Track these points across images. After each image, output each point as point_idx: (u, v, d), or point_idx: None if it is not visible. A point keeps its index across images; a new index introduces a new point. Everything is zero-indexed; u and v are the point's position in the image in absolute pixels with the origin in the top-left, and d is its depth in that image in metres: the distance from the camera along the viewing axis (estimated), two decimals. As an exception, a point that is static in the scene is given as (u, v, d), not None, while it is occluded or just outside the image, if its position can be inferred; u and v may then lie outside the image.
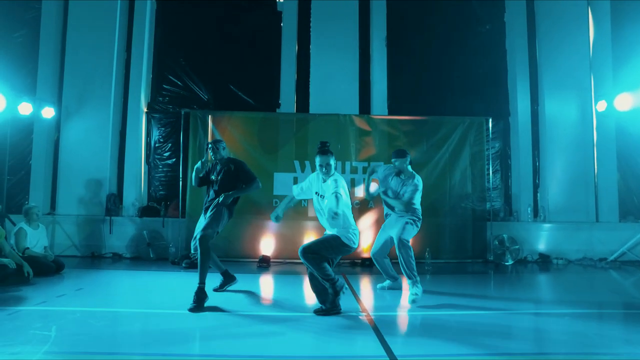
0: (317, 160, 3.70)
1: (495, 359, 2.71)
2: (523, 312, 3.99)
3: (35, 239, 5.40)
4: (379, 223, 6.73)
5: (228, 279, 4.57)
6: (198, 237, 4.01)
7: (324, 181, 3.69)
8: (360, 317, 3.64)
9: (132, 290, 4.82)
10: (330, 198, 3.47)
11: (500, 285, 5.75)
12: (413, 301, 4.13)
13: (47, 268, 5.18)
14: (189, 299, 3.79)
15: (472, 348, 2.88)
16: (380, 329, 3.25)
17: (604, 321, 3.74)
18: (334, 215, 3.36)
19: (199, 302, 3.77)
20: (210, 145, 4.44)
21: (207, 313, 3.67)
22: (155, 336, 3.09)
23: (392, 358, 2.64)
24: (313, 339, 3.11)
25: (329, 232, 3.72)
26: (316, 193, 3.76)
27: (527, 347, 3.04)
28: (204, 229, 4.04)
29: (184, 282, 5.23)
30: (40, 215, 5.57)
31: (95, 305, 3.89)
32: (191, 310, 3.70)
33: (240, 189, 4.28)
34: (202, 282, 3.89)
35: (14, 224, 5.77)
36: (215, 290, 4.48)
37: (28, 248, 5.22)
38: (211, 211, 4.17)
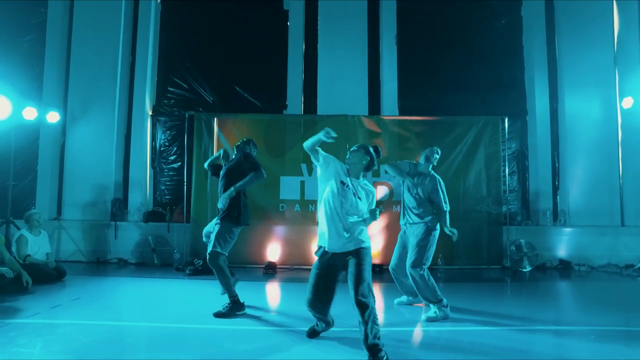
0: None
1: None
2: (538, 327, 3.68)
3: (37, 246, 5.30)
4: (388, 229, 6.52)
5: (236, 307, 4.32)
6: (207, 256, 3.87)
7: (357, 178, 3.13)
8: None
9: (131, 301, 4.66)
10: (369, 207, 3.08)
11: (517, 295, 5.42)
12: (428, 319, 3.86)
13: (47, 275, 5.09)
14: (188, 310, 3.62)
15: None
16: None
17: (632, 340, 3.41)
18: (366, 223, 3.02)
19: (229, 312, 3.80)
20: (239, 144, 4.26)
21: (211, 326, 3.48)
22: (148, 353, 2.90)
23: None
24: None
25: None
26: (342, 182, 3.06)
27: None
28: (212, 246, 3.84)
29: (186, 291, 5.10)
30: (41, 222, 5.48)
31: (89, 318, 3.72)
32: (215, 314, 3.78)
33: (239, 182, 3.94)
34: (231, 295, 3.84)
35: (19, 229, 5.70)
36: (223, 294, 4.26)
37: (29, 255, 5.12)
38: (216, 224, 3.96)
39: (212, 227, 4.18)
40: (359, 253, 2.98)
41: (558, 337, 3.53)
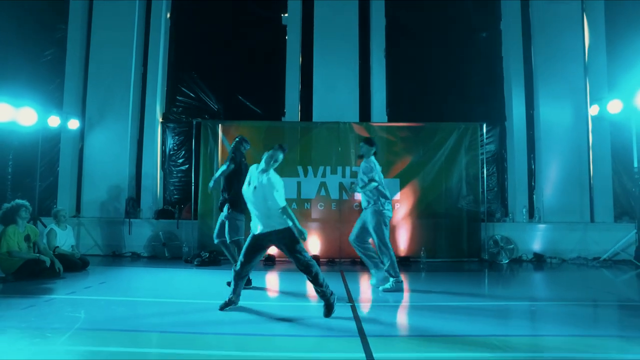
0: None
1: (453, 337, 3.13)
2: (498, 302, 4.39)
3: (64, 239, 6.03)
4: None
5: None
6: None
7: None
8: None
9: (149, 284, 5.39)
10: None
11: (493, 281, 6.09)
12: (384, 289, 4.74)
13: (74, 265, 5.79)
14: (198, 291, 4.31)
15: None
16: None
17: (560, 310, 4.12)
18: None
19: None
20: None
21: (216, 301, 4.19)
22: (168, 318, 3.62)
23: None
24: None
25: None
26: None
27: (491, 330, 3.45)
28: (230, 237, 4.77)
29: (195, 278, 5.80)
30: (67, 217, 6.20)
31: (117, 295, 4.46)
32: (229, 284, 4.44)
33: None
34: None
35: (45, 226, 6.42)
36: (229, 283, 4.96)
37: (58, 247, 5.85)
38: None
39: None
40: None
41: (519, 311, 4.23)
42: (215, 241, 4.99)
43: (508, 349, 2.92)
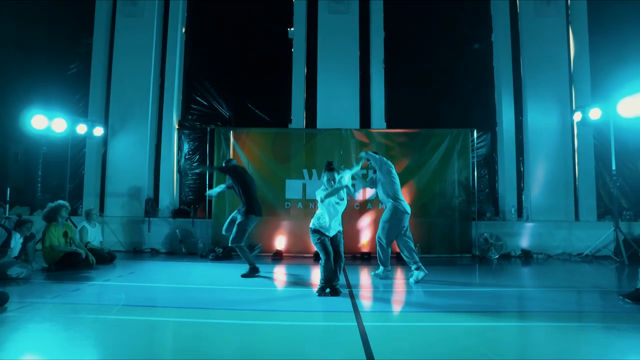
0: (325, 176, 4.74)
1: (432, 314, 3.77)
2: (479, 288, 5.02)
3: (94, 235, 6.75)
4: (376, 223, 7.84)
5: (254, 271, 5.72)
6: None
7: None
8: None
9: (170, 275, 6.07)
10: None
11: (482, 273, 6.69)
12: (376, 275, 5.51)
13: (103, 258, 6.49)
14: (213, 280, 5.00)
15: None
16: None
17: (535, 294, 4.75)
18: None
19: (250, 273, 5.53)
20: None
21: (229, 287, 4.87)
22: (190, 299, 4.31)
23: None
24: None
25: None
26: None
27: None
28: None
29: (210, 270, 6.48)
30: (97, 216, 6.92)
31: (144, 282, 5.17)
32: (242, 275, 5.46)
33: None
34: (250, 263, 5.59)
35: (75, 225, 7.13)
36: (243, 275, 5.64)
37: (89, 242, 6.56)
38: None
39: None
40: None
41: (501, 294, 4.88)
42: (224, 232, 5.83)
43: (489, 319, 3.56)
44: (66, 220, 6.35)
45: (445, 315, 3.78)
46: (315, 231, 4.60)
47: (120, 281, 5.18)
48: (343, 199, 4.69)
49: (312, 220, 4.68)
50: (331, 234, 4.61)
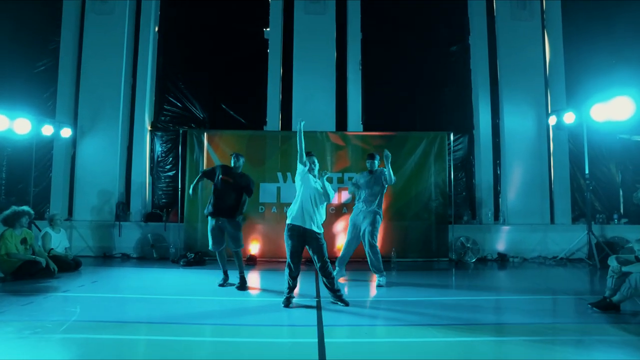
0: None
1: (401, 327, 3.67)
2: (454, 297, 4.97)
3: (58, 241, 6.49)
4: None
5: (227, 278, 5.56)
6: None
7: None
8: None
9: (137, 282, 5.87)
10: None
11: (459, 277, 6.67)
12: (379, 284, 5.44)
13: (67, 266, 6.25)
14: (180, 288, 4.82)
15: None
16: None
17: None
18: None
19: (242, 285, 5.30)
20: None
21: (193, 298, 4.70)
22: (153, 312, 4.13)
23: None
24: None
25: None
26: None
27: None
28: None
29: (179, 277, 6.28)
30: (61, 221, 6.66)
31: (107, 292, 4.95)
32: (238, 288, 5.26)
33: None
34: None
35: (39, 229, 6.87)
36: (220, 285, 5.46)
37: (52, 249, 6.30)
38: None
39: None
40: None
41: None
42: (218, 248, 5.48)
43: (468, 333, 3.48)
44: (28, 227, 6.09)
45: (416, 329, 3.69)
46: (287, 226, 4.48)
47: (80, 292, 4.95)
48: (328, 195, 4.46)
49: None
50: (298, 222, 4.36)
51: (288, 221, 4.46)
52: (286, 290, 4.42)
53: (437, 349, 3.21)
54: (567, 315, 4.46)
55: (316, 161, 4.71)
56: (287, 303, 4.36)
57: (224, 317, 4.07)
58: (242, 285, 5.27)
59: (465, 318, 4.06)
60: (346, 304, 4.41)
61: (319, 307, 4.33)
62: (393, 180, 5.57)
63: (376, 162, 5.78)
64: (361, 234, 5.59)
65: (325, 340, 3.28)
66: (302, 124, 4.62)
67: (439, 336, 3.47)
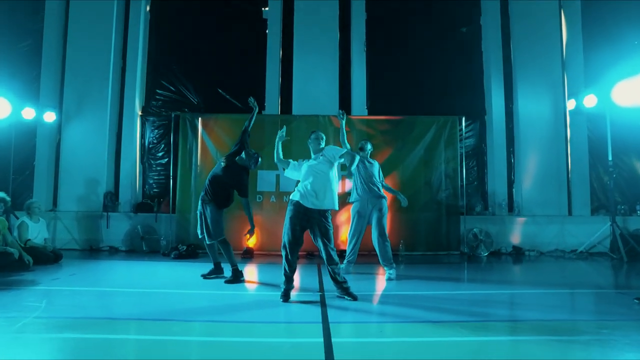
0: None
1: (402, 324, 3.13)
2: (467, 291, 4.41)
3: (36, 232, 5.94)
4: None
5: (218, 270, 5.00)
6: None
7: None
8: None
9: (121, 276, 5.32)
10: None
11: (472, 271, 6.11)
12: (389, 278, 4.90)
13: (45, 257, 5.70)
14: (168, 281, 4.27)
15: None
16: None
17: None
18: None
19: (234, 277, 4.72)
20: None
21: (182, 292, 4.15)
22: (134, 307, 3.57)
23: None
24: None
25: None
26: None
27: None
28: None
29: (169, 270, 5.74)
30: (40, 210, 6.11)
31: (84, 286, 4.39)
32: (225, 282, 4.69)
33: None
34: (233, 264, 4.81)
35: (18, 218, 6.31)
36: (203, 276, 4.92)
37: (29, 239, 5.75)
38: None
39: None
40: None
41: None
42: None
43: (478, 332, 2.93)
44: (6, 218, 5.54)
45: (427, 327, 3.14)
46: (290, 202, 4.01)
47: (52, 285, 4.40)
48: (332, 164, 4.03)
49: None
50: (297, 197, 3.91)
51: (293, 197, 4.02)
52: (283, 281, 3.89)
53: (461, 349, 2.66)
54: (610, 312, 3.86)
55: (323, 135, 4.34)
56: (286, 297, 3.82)
57: (220, 312, 3.53)
58: (237, 278, 4.71)
59: (482, 313, 3.53)
60: (354, 298, 3.87)
61: (323, 303, 3.77)
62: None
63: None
64: (373, 222, 5.08)
65: (333, 340, 2.73)
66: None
67: (462, 335, 2.92)
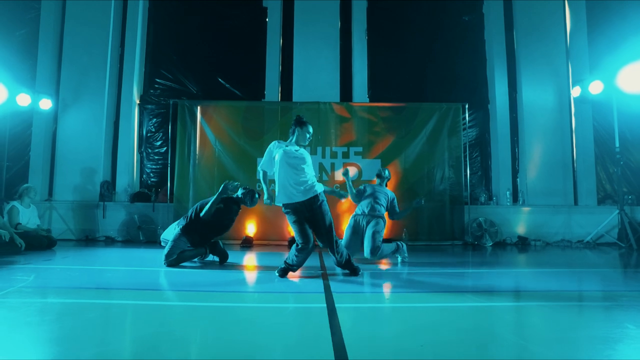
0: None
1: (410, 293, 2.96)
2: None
3: (27, 217, 5.77)
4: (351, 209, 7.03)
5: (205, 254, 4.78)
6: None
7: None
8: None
9: (116, 258, 5.14)
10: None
11: (476, 261, 5.94)
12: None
13: (38, 242, 5.52)
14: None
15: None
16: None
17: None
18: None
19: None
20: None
21: (180, 269, 3.99)
22: (126, 280, 3.41)
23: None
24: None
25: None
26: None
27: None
28: None
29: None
30: (36, 195, 5.95)
31: (76, 264, 4.22)
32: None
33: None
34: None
35: (8, 203, 6.14)
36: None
37: (20, 224, 5.58)
38: None
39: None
40: None
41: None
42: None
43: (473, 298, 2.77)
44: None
45: (435, 295, 2.97)
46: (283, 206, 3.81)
47: (44, 265, 4.23)
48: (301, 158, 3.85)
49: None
50: (283, 200, 3.71)
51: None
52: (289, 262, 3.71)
53: (453, 314, 2.49)
54: (629, 285, 3.67)
55: (311, 129, 4.16)
56: (283, 273, 3.65)
57: (225, 285, 3.38)
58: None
59: (490, 286, 3.38)
60: (357, 270, 3.72)
61: (324, 277, 3.60)
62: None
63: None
64: (366, 238, 4.74)
65: (336, 305, 2.56)
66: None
67: (472, 301, 2.75)
